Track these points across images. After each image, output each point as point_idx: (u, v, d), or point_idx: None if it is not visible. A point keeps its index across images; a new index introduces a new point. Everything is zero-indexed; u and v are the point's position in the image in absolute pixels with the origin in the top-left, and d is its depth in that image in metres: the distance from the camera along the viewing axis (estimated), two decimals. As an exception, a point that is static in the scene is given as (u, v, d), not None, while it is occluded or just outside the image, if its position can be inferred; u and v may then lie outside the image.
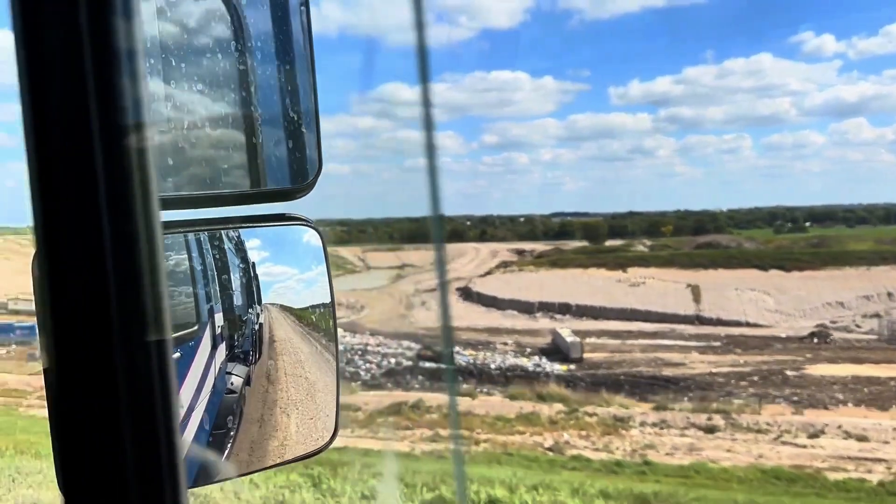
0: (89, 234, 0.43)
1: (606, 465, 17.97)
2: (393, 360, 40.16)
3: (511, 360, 41.09)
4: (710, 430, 24.38)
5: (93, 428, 0.45)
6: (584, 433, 21.69)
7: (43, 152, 0.44)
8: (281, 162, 1.10)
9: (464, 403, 24.31)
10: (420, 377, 36.70)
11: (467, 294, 65.42)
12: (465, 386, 34.89)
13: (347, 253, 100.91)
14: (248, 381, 1.04)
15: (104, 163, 0.43)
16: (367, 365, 39.29)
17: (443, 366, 38.74)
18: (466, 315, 58.11)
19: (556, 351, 42.80)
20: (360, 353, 42.29)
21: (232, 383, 1.02)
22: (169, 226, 0.93)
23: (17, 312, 42.65)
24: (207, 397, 0.98)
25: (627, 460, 18.78)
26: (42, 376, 0.48)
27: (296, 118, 1.09)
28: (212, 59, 1.02)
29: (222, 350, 0.99)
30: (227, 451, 1.02)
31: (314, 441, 1.13)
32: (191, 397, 0.95)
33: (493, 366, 39.52)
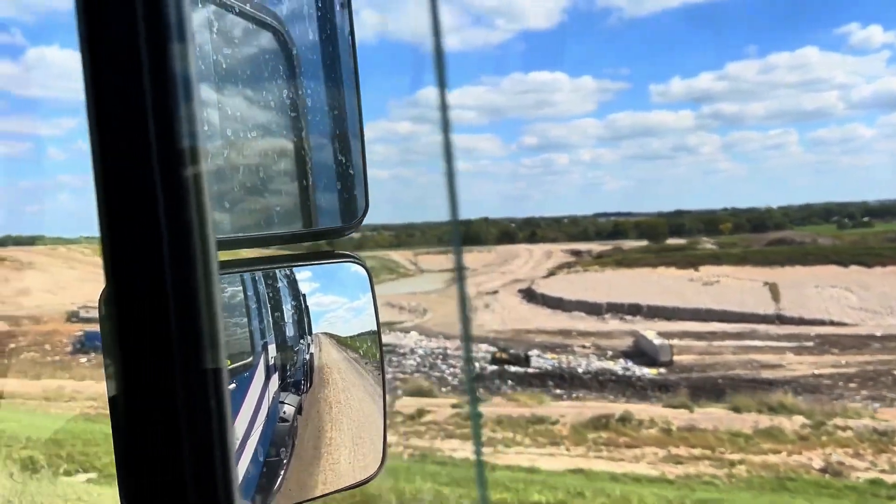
0: (152, 265, 0.47)
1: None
2: (476, 365, 38.77)
3: (596, 364, 39.42)
4: None
5: (154, 451, 0.48)
6: (849, 450, 19.57)
7: (109, 184, 0.46)
8: (329, 202, 1.14)
9: (682, 417, 22.30)
10: (510, 381, 35.30)
11: (531, 296, 63.80)
12: (556, 391, 33.37)
13: (399, 257, 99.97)
14: (299, 410, 1.06)
15: (163, 190, 0.46)
16: (451, 370, 37.98)
17: (529, 369, 37.31)
18: (533, 317, 56.53)
19: (640, 353, 41.02)
20: (440, 357, 41.05)
21: (284, 412, 1.03)
22: (226, 265, 0.97)
23: (87, 320, 42.24)
24: (261, 426, 1.00)
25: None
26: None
27: (343, 160, 1.11)
28: (258, 100, 1.06)
29: (275, 380, 1.02)
30: (279, 480, 1.03)
31: (363, 470, 1.14)
32: (245, 426, 0.97)
33: (580, 370, 37.90)
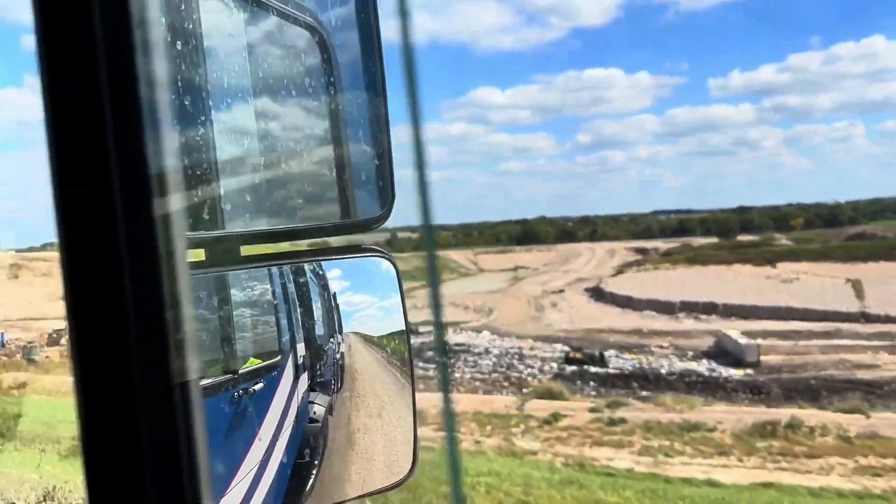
0: (113, 284, 0.44)
1: None
2: (554, 365, 37.87)
3: (679, 364, 38.08)
4: None
5: (118, 481, 0.45)
6: None
7: (68, 203, 0.45)
8: (357, 195, 1.14)
9: (859, 423, 20.92)
10: (591, 382, 34.30)
11: (599, 294, 62.49)
12: (643, 392, 32.23)
13: (458, 256, 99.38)
14: (330, 411, 1.03)
15: (126, 216, 0.44)
16: (530, 369, 37.14)
17: (610, 370, 36.25)
18: (602, 316, 55.21)
19: (723, 354, 39.52)
20: (516, 356, 40.27)
21: (314, 413, 1.01)
22: (251, 259, 0.98)
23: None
24: (290, 427, 0.98)
25: None
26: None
27: (369, 150, 1.11)
28: (289, 95, 1.07)
29: (305, 379, 1.00)
30: (310, 483, 1.00)
31: (395, 473, 1.10)
32: (274, 427, 0.95)
33: (662, 370, 36.64)
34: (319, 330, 1.04)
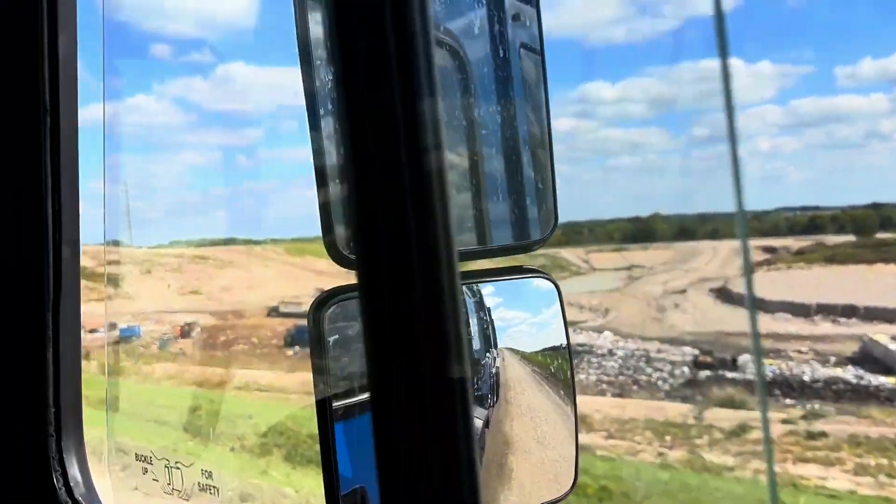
0: (401, 275, 0.48)
1: None
2: (685, 369, 36.09)
3: (822, 371, 35.48)
4: None
5: (405, 454, 0.49)
6: None
7: (361, 200, 0.48)
8: (518, 217, 1.16)
9: None
10: (728, 389, 32.36)
11: (726, 295, 59.47)
12: (786, 401, 30.09)
13: (569, 255, 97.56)
14: (487, 424, 1.06)
15: (413, 204, 0.47)
16: (658, 374, 35.54)
17: (747, 375, 34.17)
18: (731, 319, 52.42)
19: (871, 360, 36.59)
20: (643, 359, 38.70)
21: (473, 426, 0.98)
22: None
23: (287, 315, 43.54)
24: None
25: None
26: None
27: (532, 174, 1.13)
28: (449, 114, 1.06)
29: None
30: None
31: (554, 490, 1.11)
32: None
33: (805, 377, 34.19)
34: (476, 345, 1.05)
